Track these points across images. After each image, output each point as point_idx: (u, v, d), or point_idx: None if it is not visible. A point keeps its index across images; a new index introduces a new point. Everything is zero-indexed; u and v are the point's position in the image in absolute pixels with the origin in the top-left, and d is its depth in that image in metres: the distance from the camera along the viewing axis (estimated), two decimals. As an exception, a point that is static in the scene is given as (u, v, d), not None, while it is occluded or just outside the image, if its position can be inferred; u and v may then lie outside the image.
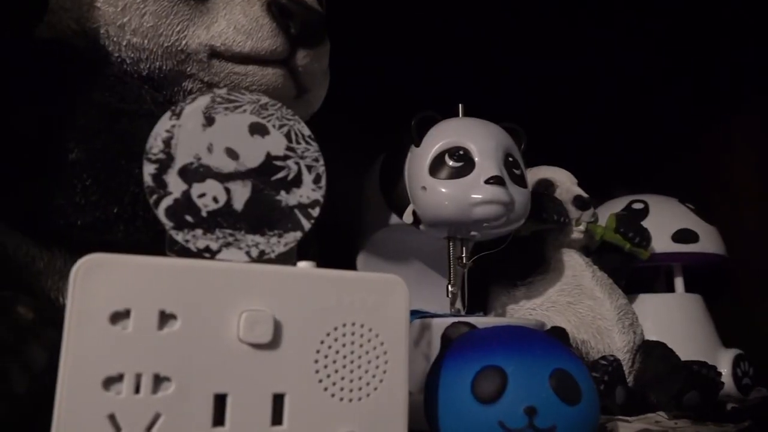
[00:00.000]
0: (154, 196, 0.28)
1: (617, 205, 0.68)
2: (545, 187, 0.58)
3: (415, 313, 0.45)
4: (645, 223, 0.64)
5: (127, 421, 0.25)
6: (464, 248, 0.48)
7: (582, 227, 0.57)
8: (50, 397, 0.24)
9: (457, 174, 0.45)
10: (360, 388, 0.28)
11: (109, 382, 0.25)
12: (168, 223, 0.28)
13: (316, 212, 0.31)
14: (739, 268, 0.69)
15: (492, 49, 0.72)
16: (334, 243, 0.49)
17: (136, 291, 0.25)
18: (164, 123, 0.29)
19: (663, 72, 0.77)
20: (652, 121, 0.83)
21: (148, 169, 0.28)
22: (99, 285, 0.25)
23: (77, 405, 0.24)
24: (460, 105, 0.50)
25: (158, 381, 0.25)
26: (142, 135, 0.34)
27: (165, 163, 0.28)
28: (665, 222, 0.65)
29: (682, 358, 0.54)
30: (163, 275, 0.26)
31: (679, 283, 0.65)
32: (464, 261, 0.48)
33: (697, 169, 0.79)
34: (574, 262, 0.57)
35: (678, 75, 0.78)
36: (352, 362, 0.28)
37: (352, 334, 0.29)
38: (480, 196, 0.44)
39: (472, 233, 0.47)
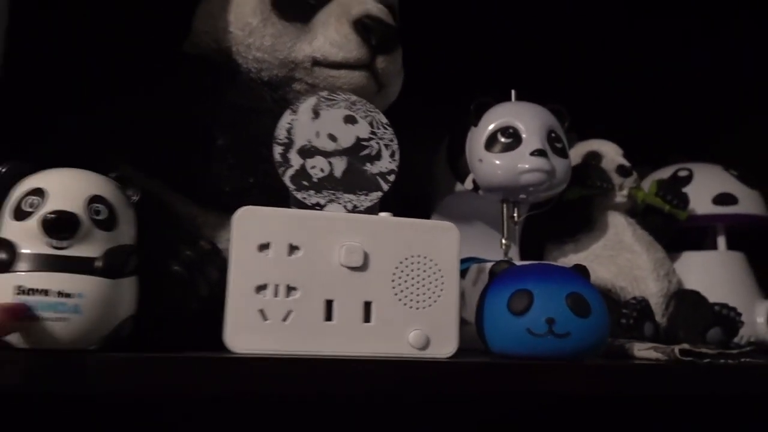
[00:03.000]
0: (282, 168, 0.41)
1: (665, 173, 0.76)
2: (592, 157, 0.68)
3: (473, 260, 0.57)
4: (688, 189, 0.72)
5: (271, 314, 0.38)
6: (516, 209, 0.58)
7: (625, 192, 0.66)
8: (220, 300, 0.38)
9: (507, 148, 0.55)
10: (424, 300, 0.40)
11: (259, 289, 0.38)
12: (292, 187, 0.41)
13: (392, 178, 0.43)
14: None
15: (552, 27, 0.81)
16: (409, 208, 0.61)
17: (273, 230, 0.39)
18: (286, 117, 0.42)
19: (725, 40, 0.83)
20: (715, 89, 0.89)
21: (277, 150, 0.41)
22: (250, 226, 0.38)
23: (239, 303, 0.38)
24: (512, 90, 0.60)
25: (289, 290, 0.38)
26: (265, 126, 0.47)
27: (288, 145, 0.41)
28: (707, 187, 0.72)
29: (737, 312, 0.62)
30: (291, 220, 0.39)
31: (721, 241, 0.73)
32: (516, 219, 0.58)
33: (755, 136, 0.84)
34: (617, 222, 0.66)
35: (740, 45, 0.83)
36: (418, 282, 0.40)
37: (418, 262, 0.41)
38: (526, 166, 0.54)
39: (521, 196, 0.57)
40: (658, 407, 0.74)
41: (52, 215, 0.32)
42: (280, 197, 0.45)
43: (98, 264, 0.33)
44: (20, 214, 0.33)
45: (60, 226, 0.32)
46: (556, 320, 0.41)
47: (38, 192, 0.33)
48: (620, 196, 0.66)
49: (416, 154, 0.62)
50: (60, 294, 0.32)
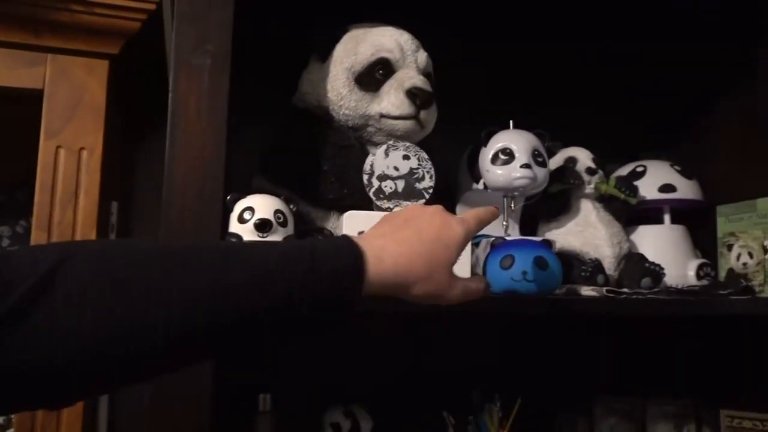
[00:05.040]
0: (368, 187, 0.72)
1: (627, 168, 1.04)
2: (570, 161, 0.96)
3: (484, 236, 0.87)
4: (642, 181, 1.00)
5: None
6: (512, 201, 0.88)
7: (592, 185, 0.95)
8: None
9: (505, 162, 0.84)
10: (450, 261, 0.71)
11: (359, 256, 0.69)
12: (374, 198, 0.71)
13: (431, 191, 0.73)
14: (711, 208, 1.02)
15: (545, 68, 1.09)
16: (444, 197, 0.90)
17: (366, 223, 0.69)
18: (369, 157, 0.72)
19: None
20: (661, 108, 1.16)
21: (365, 177, 0.72)
22: (353, 221, 0.69)
23: (348, 264, 0.69)
24: (510, 121, 0.89)
25: (375, 256, 0.69)
26: (351, 156, 0.78)
27: (371, 174, 0.72)
28: (656, 179, 1.00)
29: (664, 266, 0.91)
30: (375, 218, 0.70)
31: (666, 218, 1.01)
32: (512, 208, 0.88)
33: (695, 140, 1.12)
34: (585, 207, 0.95)
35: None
36: (447, 251, 0.71)
37: (447, 240, 0.71)
38: (517, 174, 0.84)
39: (515, 193, 0.86)
40: (593, 327, 1.07)
41: (259, 221, 0.64)
42: (362, 201, 0.76)
43: (281, 245, 0.65)
44: (242, 220, 0.65)
45: (264, 226, 0.64)
46: (527, 272, 0.72)
47: (250, 209, 0.65)
48: (589, 189, 0.95)
49: (448, 162, 0.93)
50: (266, 260, 0.63)
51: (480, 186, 0.89)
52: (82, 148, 0.69)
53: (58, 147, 0.68)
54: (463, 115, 1.00)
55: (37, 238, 0.66)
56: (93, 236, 0.68)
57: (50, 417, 0.63)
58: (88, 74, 0.69)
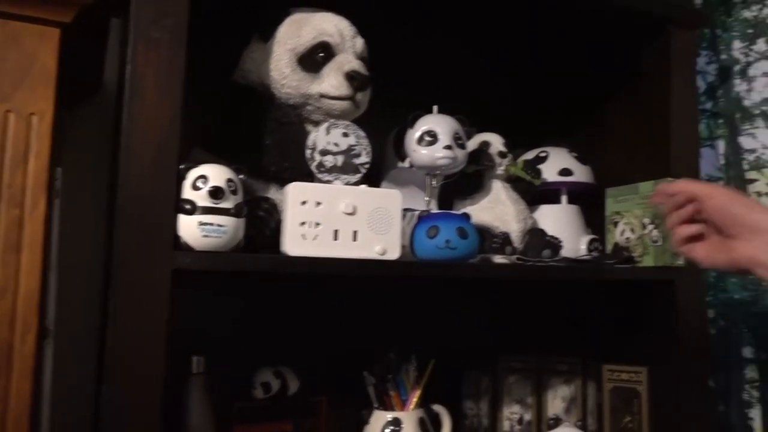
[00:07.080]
0: (310, 161, 0.78)
1: (532, 153, 1.16)
2: (484, 145, 1.07)
3: (408, 210, 0.96)
4: (544, 165, 1.13)
5: (307, 236, 0.76)
6: (434, 179, 0.97)
7: (503, 167, 1.06)
8: (279, 229, 0.75)
9: (429, 144, 0.93)
10: (383, 230, 0.79)
11: (301, 224, 0.76)
12: (316, 171, 0.78)
13: (367, 166, 0.81)
14: (601, 191, 1.17)
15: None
16: (369, 175, 0.98)
17: (308, 194, 0.76)
18: (312, 133, 0.79)
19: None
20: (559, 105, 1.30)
21: (308, 151, 0.78)
22: (297, 192, 0.76)
23: (292, 230, 0.75)
24: (434, 106, 0.98)
25: (316, 224, 0.76)
26: (292, 132, 0.84)
27: (313, 149, 0.78)
28: (556, 163, 1.13)
29: (561, 240, 1.04)
30: (317, 189, 0.76)
31: (563, 198, 1.15)
32: (434, 185, 0.97)
33: (591, 131, 1.26)
34: (496, 187, 1.06)
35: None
36: (381, 220, 0.79)
37: (381, 210, 0.79)
38: (440, 155, 0.93)
39: (437, 172, 0.96)
40: (506, 288, 1.20)
41: (213, 188, 0.69)
42: (300, 174, 0.82)
43: (232, 211, 0.70)
44: (195, 188, 0.70)
45: (217, 193, 0.69)
46: (450, 241, 0.81)
47: (203, 177, 0.70)
48: (500, 170, 1.06)
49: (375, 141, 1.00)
50: (219, 225, 0.69)
51: (405, 164, 0.98)
52: (32, 114, 0.70)
53: (7, 111, 0.69)
54: (386, 98, 1.08)
55: (-14, 200, 0.67)
56: (43, 201, 0.70)
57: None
58: (40, 41, 0.71)
